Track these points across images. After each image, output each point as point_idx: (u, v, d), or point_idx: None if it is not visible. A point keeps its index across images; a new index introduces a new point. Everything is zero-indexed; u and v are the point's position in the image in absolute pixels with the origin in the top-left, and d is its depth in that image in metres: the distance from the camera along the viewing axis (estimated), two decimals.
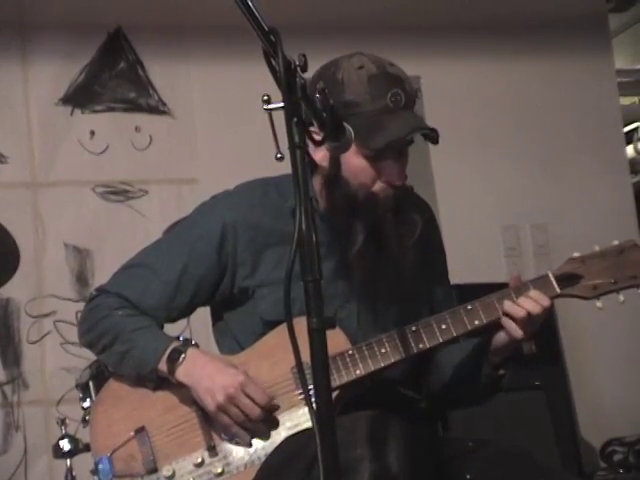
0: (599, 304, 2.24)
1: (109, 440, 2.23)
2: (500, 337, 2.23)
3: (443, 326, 2.21)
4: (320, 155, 2.23)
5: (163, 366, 2.21)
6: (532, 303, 2.18)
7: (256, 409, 2.16)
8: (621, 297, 2.24)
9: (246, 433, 2.18)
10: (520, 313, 2.18)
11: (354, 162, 2.23)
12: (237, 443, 2.18)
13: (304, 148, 1.69)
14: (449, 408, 2.57)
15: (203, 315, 2.46)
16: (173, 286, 2.31)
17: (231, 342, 2.35)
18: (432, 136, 2.21)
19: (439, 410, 2.47)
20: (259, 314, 2.29)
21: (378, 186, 2.24)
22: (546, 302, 2.20)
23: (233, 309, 2.35)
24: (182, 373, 2.20)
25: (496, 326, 2.23)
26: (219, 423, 2.19)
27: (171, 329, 2.37)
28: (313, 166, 2.26)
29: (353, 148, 2.18)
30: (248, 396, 2.16)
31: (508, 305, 2.19)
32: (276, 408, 2.19)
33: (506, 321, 2.20)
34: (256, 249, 2.30)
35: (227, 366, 2.21)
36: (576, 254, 2.26)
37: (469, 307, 2.23)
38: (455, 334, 2.22)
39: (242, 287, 2.31)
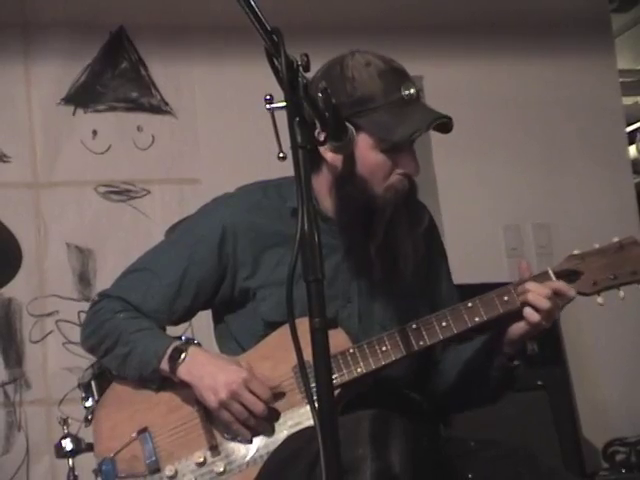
0: (600, 300, 2.24)
1: (112, 442, 2.23)
2: (517, 328, 2.20)
3: (443, 323, 2.21)
4: (332, 154, 2.22)
5: (165, 365, 2.21)
6: (554, 294, 2.17)
7: (260, 405, 2.16)
8: (621, 293, 2.24)
9: (248, 431, 2.18)
10: (545, 305, 2.15)
11: (371, 157, 2.22)
12: (239, 441, 2.18)
13: (314, 148, 1.68)
14: (460, 410, 2.54)
15: (205, 317, 2.46)
16: (174, 289, 2.32)
17: (232, 344, 2.35)
18: (448, 124, 2.21)
19: (444, 413, 2.46)
20: (261, 315, 2.29)
21: (394, 178, 2.24)
22: (572, 292, 2.18)
23: (234, 311, 2.35)
24: (184, 371, 2.20)
25: (498, 321, 2.22)
26: (221, 421, 2.19)
27: (174, 331, 2.37)
28: (316, 167, 2.26)
29: (368, 143, 2.19)
30: (252, 392, 2.16)
31: (532, 296, 2.17)
32: (278, 407, 2.19)
33: (528, 311, 2.17)
34: (256, 250, 2.30)
35: (229, 363, 2.21)
36: (576, 251, 2.26)
37: (469, 304, 2.23)
38: (455, 331, 2.22)
39: (243, 288, 2.31)
